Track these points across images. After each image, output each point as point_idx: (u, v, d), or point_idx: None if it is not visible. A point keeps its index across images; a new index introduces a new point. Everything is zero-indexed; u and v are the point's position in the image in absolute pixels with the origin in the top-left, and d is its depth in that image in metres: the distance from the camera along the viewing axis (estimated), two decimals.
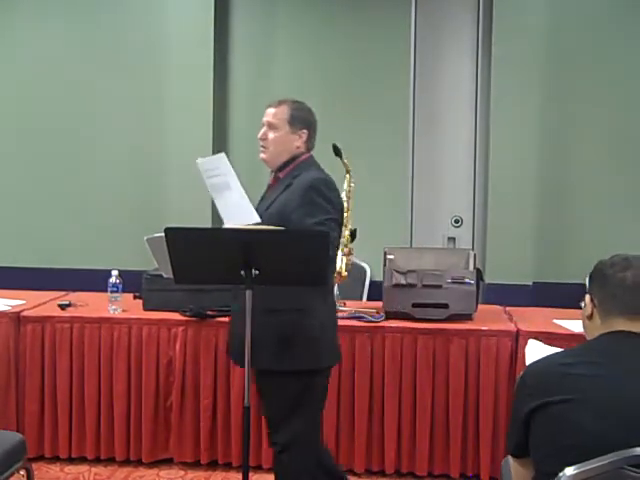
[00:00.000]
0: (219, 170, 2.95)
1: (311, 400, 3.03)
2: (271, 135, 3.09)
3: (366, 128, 5.39)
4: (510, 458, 2.17)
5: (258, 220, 2.89)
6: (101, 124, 5.56)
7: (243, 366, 2.85)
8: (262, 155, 3.13)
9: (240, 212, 2.93)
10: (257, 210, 2.98)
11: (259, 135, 3.13)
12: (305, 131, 3.12)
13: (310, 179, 3.00)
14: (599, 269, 2.14)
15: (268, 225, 2.86)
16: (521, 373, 2.15)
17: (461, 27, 5.47)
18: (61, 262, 5.50)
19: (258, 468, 3.89)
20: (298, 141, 3.10)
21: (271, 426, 3.06)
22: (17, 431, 3.68)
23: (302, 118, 3.12)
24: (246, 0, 5.53)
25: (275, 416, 3.03)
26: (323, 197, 2.96)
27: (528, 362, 2.88)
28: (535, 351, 3.01)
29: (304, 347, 2.96)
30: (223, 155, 2.97)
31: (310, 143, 3.16)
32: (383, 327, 3.86)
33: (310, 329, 2.97)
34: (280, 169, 3.11)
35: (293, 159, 3.10)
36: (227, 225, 2.95)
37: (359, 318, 3.93)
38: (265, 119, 3.13)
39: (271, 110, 3.13)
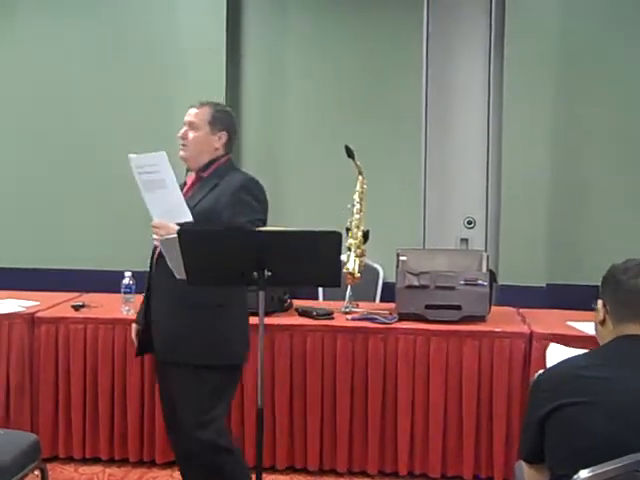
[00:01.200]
0: (156, 167, 3.00)
1: (228, 395, 3.18)
2: (191, 134, 3.19)
3: (378, 129, 5.40)
4: (523, 463, 2.16)
5: (191, 219, 2.98)
6: (115, 126, 5.58)
7: (164, 360, 3.13)
8: (181, 153, 3.22)
9: (173, 210, 3.01)
10: None
11: (179, 134, 3.22)
12: (225, 133, 3.22)
13: (241, 179, 3.15)
14: (612, 274, 2.13)
15: (196, 223, 2.97)
16: (534, 377, 2.15)
17: (473, 27, 5.46)
18: (75, 263, 5.53)
19: (272, 469, 3.90)
20: (217, 142, 3.21)
21: (197, 422, 3.05)
22: (31, 431, 3.69)
23: (222, 120, 3.23)
24: (258, 1, 5.55)
25: (201, 411, 3.05)
26: (253, 197, 3.10)
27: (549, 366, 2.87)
28: (556, 355, 3.00)
29: (231, 341, 3.11)
30: (164, 153, 2.99)
31: (229, 146, 3.26)
32: (396, 328, 3.86)
33: (233, 325, 3.13)
34: (202, 169, 3.20)
35: (214, 160, 3.20)
36: (154, 221, 3.04)
37: (372, 319, 3.93)
38: (186, 119, 3.23)
39: (193, 110, 3.24)
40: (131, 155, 3.04)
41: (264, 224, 3.11)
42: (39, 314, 4.03)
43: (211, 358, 3.05)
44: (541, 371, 2.23)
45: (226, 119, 3.25)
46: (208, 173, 3.19)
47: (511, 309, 4.29)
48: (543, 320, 4.00)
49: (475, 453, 3.82)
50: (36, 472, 3.12)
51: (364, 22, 5.43)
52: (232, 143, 3.28)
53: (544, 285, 5.15)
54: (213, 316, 3.07)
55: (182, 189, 3.17)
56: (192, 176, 3.25)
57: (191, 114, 3.22)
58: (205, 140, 3.18)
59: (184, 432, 3.12)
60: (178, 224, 2.96)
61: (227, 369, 3.12)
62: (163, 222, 3.00)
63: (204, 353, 3.05)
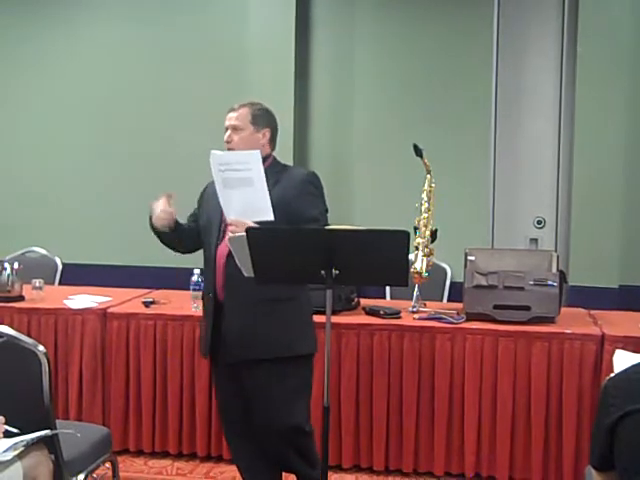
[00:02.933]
0: (246, 165, 2.95)
1: (309, 383, 3.24)
2: (236, 137, 3.19)
3: (447, 127, 5.35)
4: (592, 470, 2.12)
5: (272, 219, 2.96)
6: (185, 129, 5.66)
7: (242, 359, 3.11)
8: None
9: (255, 209, 2.97)
10: None
11: (225, 138, 3.20)
12: (268, 130, 3.24)
13: (304, 173, 3.24)
14: None
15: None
16: (604, 383, 2.10)
17: (545, 26, 5.36)
18: (145, 261, 5.63)
19: (337, 468, 3.91)
20: (263, 139, 3.22)
21: (286, 413, 3.14)
22: (103, 425, 3.77)
23: (264, 118, 3.24)
24: (326, 1, 5.55)
25: (287, 402, 3.14)
26: (319, 189, 3.18)
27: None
28: (624, 361, 2.93)
29: (305, 332, 3.20)
30: (258, 152, 2.97)
31: (273, 143, 3.27)
32: (463, 328, 3.83)
33: (304, 315, 3.22)
34: None
35: (264, 158, 3.13)
36: (231, 218, 3.03)
37: (439, 319, 3.90)
38: (228, 123, 3.22)
39: (233, 114, 3.22)
40: (215, 151, 3.02)
41: (327, 214, 3.20)
42: (111, 310, 4.12)
43: (290, 350, 3.12)
44: (611, 375, 2.18)
45: (267, 116, 3.26)
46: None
47: (582, 310, 4.21)
48: (615, 322, 3.92)
49: (543, 456, 3.76)
50: (107, 464, 3.20)
51: (433, 21, 5.39)
52: (275, 140, 3.29)
53: (616, 286, 5.04)
54: (286, 309, 3.12)
55: None
56: None
57: (232, 117, 3.21)
58: (251, 139, 3.19)
59: (269, 426, 3.16)
60: (257, 222, 2.93)
61: (305, 358, 3.18)
62: (240, 219, 2.97)
63: (282, 346, 3.11)
